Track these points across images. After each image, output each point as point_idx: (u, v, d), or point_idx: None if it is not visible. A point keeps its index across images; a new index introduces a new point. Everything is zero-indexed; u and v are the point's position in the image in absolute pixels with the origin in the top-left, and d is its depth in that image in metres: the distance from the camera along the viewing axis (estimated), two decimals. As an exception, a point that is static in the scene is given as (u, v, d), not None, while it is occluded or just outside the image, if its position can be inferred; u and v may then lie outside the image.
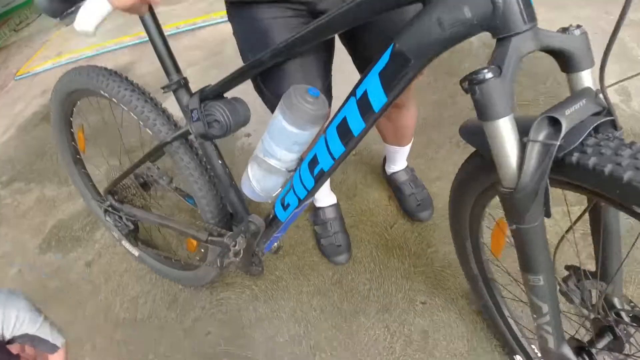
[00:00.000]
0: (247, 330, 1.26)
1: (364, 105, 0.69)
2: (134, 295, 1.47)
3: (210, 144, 0.97)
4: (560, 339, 0.75)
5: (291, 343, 1.21)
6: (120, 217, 1.35)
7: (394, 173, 1.41)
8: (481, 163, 0.72)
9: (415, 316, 1.19)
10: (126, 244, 1.52)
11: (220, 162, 0.99)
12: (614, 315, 0.75)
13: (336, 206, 1.42)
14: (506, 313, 1.05)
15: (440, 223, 1.35)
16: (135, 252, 1.50)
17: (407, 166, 1.42)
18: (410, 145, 1.34)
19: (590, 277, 0.77)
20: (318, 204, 1.41)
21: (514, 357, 1.06)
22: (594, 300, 0.78)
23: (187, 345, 1.28)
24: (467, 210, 0.88)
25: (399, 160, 1.39)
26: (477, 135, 0.63)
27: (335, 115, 0.76)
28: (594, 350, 0.77)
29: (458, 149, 1.55)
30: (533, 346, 1.04)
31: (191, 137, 1.01)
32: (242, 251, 0.96)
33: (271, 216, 1.01)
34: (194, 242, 1.26)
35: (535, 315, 0.73)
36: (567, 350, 0.76)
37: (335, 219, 1.38)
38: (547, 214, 0.59)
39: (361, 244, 1.37)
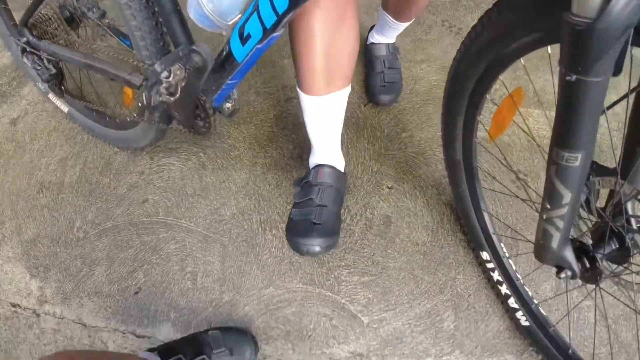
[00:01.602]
0: (190, 200, 1.11)
1: None
2: (62, 156, 1.27)
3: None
4: (566, 239, 0.63)
5: (239, 217, 1.08)
6: (41, 59, 1.11)
7: (373, 43, 1.23)
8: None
9: (379, 200, 1.07)
10: (54, 98, 1.29)
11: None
12: (624, 221, 0.63)
13: (340, 175, 1.01)
14: (482, 206, 0.95)
15: (419, 108, 1.21)
16: (65, 108, 1.28)
17: (392, 43, 1.23)
18: (408, 24, 1.14)
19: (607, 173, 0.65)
20: (316, 159, 1.02)
21: (480, 253, 0.98)
22: (598, 203, 0.66)
23: (119, 213, 1.13)
24: (476, 73, 0.70)
25: (387, 34, 1.20)
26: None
27: None
28: (598, 256, 0.65)
29: (450, 33, 1.37)
30: (502, 244, 0.96)
31: None
32: (178, 88, 0.75)
33: (225, 53, 0.79)
34: (130, 94, 1.05)
35: (549, 206, 0.58)
36: (569, 252, 0.64)
37: (330, 188, 0.97)
38: (618, 71, 0.44)
39: (330, 119, 1.21)
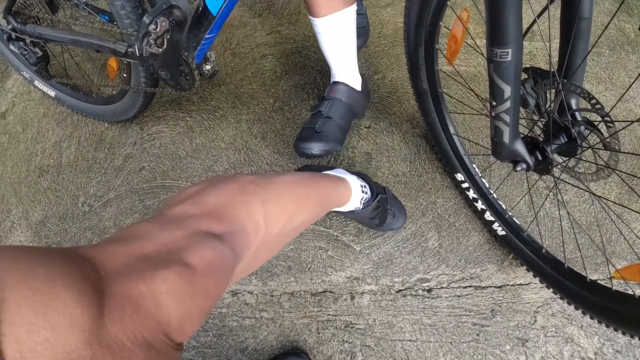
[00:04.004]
0: (184, 162, 1.18)
1: None
2: (56, 140, 1.33)
3: None
4: (515, 132, 0.72)
5: (232, 170, 1.15)
6: (26, 43, 1.16)
7: (337, -9, 1.27)
8: None
9: (359, 140, 1.15)
10: (40, 84, 1.34)
11: None
12: (569, 116, 0.72)
13: (353, 92, 1.09)
14: (451, 129, 1.03)
15: (388, 50, 1.27)
16: (52, 92, 1.33)
17: (355, -10, 1.28)
18: None
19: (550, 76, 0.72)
20: (332, 77, 1.11)
21: (455, 175, 1.07)
22: (550, 106, 0.75)
23: (119, 183, 1.20)
24: (427, 3, 0.77)
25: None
26: None
27: None
28: (548, 148, 0.74)
29: (411, -24, 1.42)
30: (474, 165, 1.05)
31: None
32: (164, 40, 0.82)
33: (200, 8, 0.86)
34: (114, 66, 1.11)
35: (494, 103, 0.67)
36: (520, 146, 0.73)
37: (340, 103, 1.07)
38: None
39: (304, 70, 1.27)
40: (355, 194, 0.87)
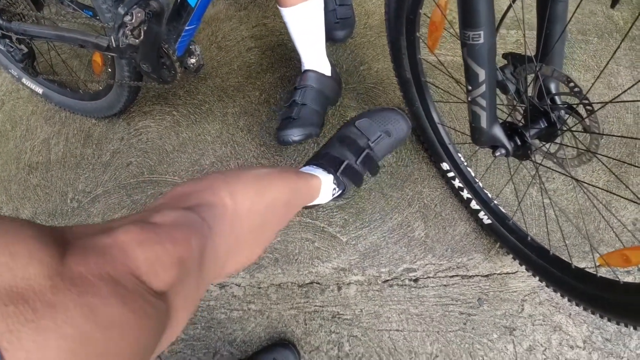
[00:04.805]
0: (171, 156, 1.18)
1: None
2: (44, 137, 1.33)
3: None
4: (493, 117, 0.71)
5: (218, 164, 1.15)
6: (12, 40, 1.16)
7: (322, -18, 1.27)
8: None
9: (345, 131, 1.15)
10: (27, 81, 1.34)
11: None
12: (549, 100, 0.72)
13: (323, 78, 1.12)
14: (435, 118, 1.03)
15: (374, 41, 1.27)
16: (39, 89, 1.33)
17: (340, -20, 1.28)
18: None
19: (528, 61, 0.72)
20: (303, 66, 1.14)
21: (441, 164, 1.06)
22: (530, 91, 0.74)
23: (107, 179, 1.20)
24: None
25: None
26: None
27: None
28: (527, 133, 0.74)
29: (398, -33, 1.41)
30: (459, 154, 1.05)
31: None
32: (141, 31, 0.82)
33: (178, 0, 0.86)
34: (99, 61, 1.10)
35: (470, 87, 0.67)
36: (499, 131, 0.73)
37: (311, 89, 1.10)
38: None
39: (290, 62, 1.27)
40: (324, 181, 0.83)
